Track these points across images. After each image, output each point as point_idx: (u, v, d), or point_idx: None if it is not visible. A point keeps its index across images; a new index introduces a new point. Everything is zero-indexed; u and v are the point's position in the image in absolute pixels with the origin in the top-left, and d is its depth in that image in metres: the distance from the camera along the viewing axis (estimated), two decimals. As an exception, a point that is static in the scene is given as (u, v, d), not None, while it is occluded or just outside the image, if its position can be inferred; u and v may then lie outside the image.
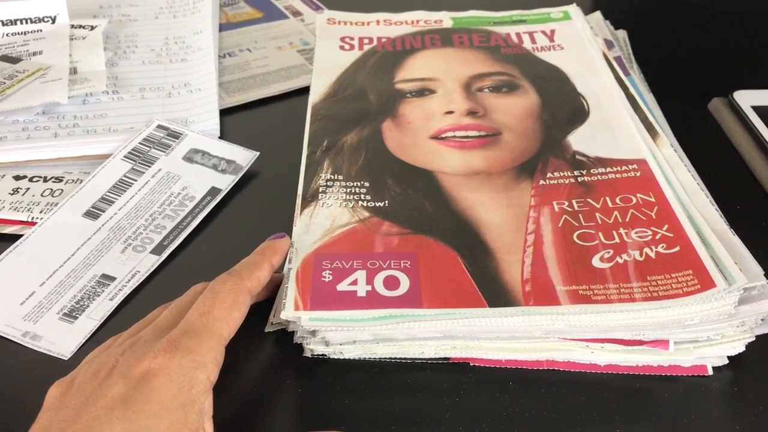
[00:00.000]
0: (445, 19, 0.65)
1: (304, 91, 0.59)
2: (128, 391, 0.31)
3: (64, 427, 0.31)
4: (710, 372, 0.40)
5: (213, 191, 0.51)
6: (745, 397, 0.39)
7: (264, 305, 0.43)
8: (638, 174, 0.47)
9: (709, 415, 0.38)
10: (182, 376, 0.32)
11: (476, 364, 0.40)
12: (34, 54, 0.63)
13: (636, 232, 0.42)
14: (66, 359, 0.41)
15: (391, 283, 0.40)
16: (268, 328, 0.42)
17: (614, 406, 0.38)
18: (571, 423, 0.38)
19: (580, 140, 0.50)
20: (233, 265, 0.43)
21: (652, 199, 0.44)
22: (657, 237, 0.42)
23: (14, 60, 0.61)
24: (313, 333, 0.39)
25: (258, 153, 0.54)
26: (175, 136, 0.55)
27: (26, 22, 0.66)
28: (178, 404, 0.32)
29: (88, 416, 0.31)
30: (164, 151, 0.54)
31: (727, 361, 0.40)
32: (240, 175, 0.53)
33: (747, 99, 0.58)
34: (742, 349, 0.40)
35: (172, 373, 0.32)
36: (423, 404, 0.38)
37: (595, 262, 0.41)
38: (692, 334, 0.39)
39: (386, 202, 0.45)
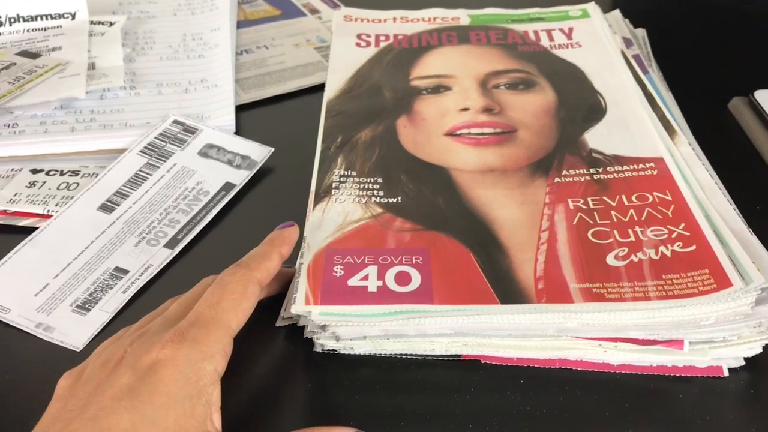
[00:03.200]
0: (463, 16, 0.65)
1: (320, 88, 0.59)
2: (136, 381, 0.32)
3: (73, 417, 0.31)
4: (726, 373, 0.39)
5: (227, 186, 0.51)
6: (761, 399, 0.38)
7: (275, 299, 0.43)
8: (655, 172, 0.46)
9: (725, 418, 0.37)
10: (189, 367, 0.32)
11: (487, 362, 0.40)
12: (54, 49, 0.63)
13: (652, 231, 0.42)
14: (78, 351, 0.41)
15: (403, 278, 0.39)
16: (279, 323, 0.42)
17: (627, 406, 0.38)
18: (583, 423, 0.37)
19: (596, 138, 0.50)
20: (245, 259, 0.43)
21: (669, 198, 0.44)
22: (673, 235, 0.41)
23: (34, 55, 0.62)
24: (324, 328, 0.39)
25: (273, 149, 0.54)
26: (191, 131, 0.55)
27: (46, 18, 0.66)
28: (185, 395, 0.32)
29: (95, 406, 0.31)
30: (180, 146, 0.54)
31: (743, 363, 0.39)
32: (254, 170, 0.53)
33: (768, 98, 0.57)
34: (759, 350, 0.39)
35: (180, 363, 0.32)
36: (433, 401, 0.38)
37: (610, 260, 0.40)
38: (708, 334, 0.38)
39: (399, 198, 0.45)
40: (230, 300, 0.36)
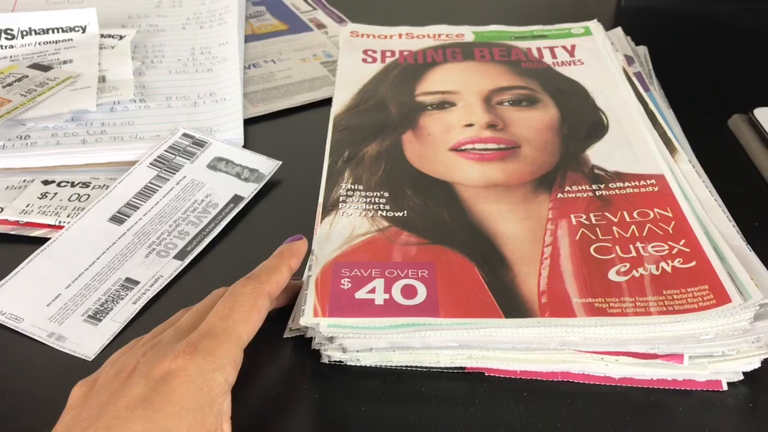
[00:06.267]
0: (467, 33, 0.66)
1: (327, 102, 0.60)
2: (149, 391, 0.32)
3: (86, 426, 0.32)
4: (725, 387, 0.40)
5: (236, 199, 0.52)
6: (759, 413, 0.39)
7: (283, 311, 0.43)
8: (656, 189, 0.47)
9: (723, 431, 0.38)
10: (201, 377, 0.33)
11: (491, 374, 0.40)
12: (65, 62, 0.64)
13: (653, 247, 0.43)
14: (90, 360, 0.42)
15: (409, 292, 0.40)
16: (287, 334, 0.42)
17: (628, 419, 0.38)
18: (584, 434, 0.38)
19: (598, 154, 0.51)
20: (254, 271, 0.44)
21: (670, 214, 0.45)
22: (674, 252, 0.42)
23: (45, 68, 0.63)
24: (331, 339, 0.40)
25: (280, 162, 0.55)
26: (200, 144, 0.56)
27: (58, 32, 0.67)
28: (197, 405, 0.32)
29: (109, 415, 0.32)
30: (189, 159, 0.55)
31: (742, 377, 0.40)
32: (262, 183, 0.54)
33: (767, 116, 0.58)
34: (757, 365, 0.40)
35: (192, 374, 0.33)
36: (438, 413, 0.39)
37: (612, 275, 0.41)
38: (707, 348, 0.39)
39: (405, 212, 0.46)
40: (241, 312, 0.36)
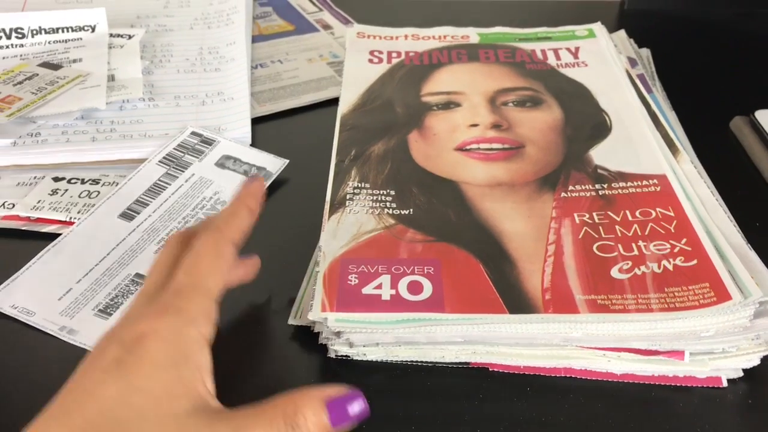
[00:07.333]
0: (472, 35, 0.67)
1: (333, 102, 0.61)
2: (123, 354, 0.32)
3: (66, 394, 0.32)
4: (725, 384, 0.40)
5: (243, 196, 0.53)
6: (759, 410, 0.39)
7: (285, 303, 0.44)
8: (658, 189, 0.48)
9: (723, 427, 0.39)
10: (173, 334, 0.33)
11: (495, 370, 0.41)
12: (74, 61, 0.65)
13: (655, 245, 0.43)
14: (101, 353, 0.43)
15: (415, 287, 0.41)
16: (291, 321, 0.43)
17: (629, 414, 0.39)
18: (586, 430, 0.39)
19: (601, 155, 0.51)
20: (262, 269, 0.45)
21: (672, 214, 0.45)
22: (675, 250, 0.43)
23: (55, 66, 0.64)
24: (338, 334, 0.41)
25: (287, 161, 0.56)
26: (208, 142, 0.57)
27: (67, 31, 0.68)
28: (170, 363, 0.32)
29: (87, 381, 0.32)
30: (197, 157, 0.56)
31: (741, 374, 0.41)
32: (270, 181, 0.54)
33: (768, 118, 0.59)
34: (757, 362, 0.40)
35: (163, 333, 0.33)
36: (442, 407, 0.40)
37: (614, 273, 0.42)
38: (708, 345, 0.39)
39: (411, 210, 0.47)
40: (206, 264, 0.36)
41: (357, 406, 0.33)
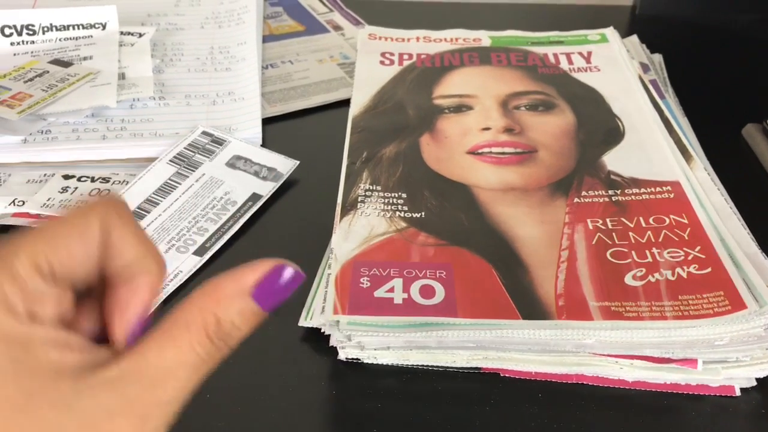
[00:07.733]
0: (484, 38, 0.67)
1: (343, 103, 0.61)
2: None
3: None
4: (738, 393, 0.40)
5: (254, 197, 0.53)
6: (772, 419, 0.39)
7: (295, 304, 0.44)
8: (672, 196, 0.47)
9: (736, 436, 0.39)
10: None
11: (507, 375, 0.41)
12: (85, 59, 0.65)
13: (668, 252, 0.43)
14: (110, 352, 0.42)
15: (427, 292, 0.41)
16: (302, 323, 0.43)
17: (641, 422, 0.39)
18: (598, 436, 0.38)
19: (614, 160, 0.51)
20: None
21: (685, 221, 0.45)
22: (689, 258, 0.43)
23: (66, 64, 0.64)
24: (349, 337, 0.40)
25: (298, 162, 0.56)
26: (219, 142, 0.57)
27: (78, 28, 0.68)
28: None
29: None
30: (208, 157, 0.55)
31: (755, 383, 0.40)
32: (280, 182, 0.54)
33: (781, 126, 0.58)
34: (771, 372, 0.40)
35: None
36: (453, 412, 0.39)
37: (628, 279, 0.42)
38: (721, 354, 0.39)
39: (423, 213, 0.47)
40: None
41: (287, 275, 0.27)
